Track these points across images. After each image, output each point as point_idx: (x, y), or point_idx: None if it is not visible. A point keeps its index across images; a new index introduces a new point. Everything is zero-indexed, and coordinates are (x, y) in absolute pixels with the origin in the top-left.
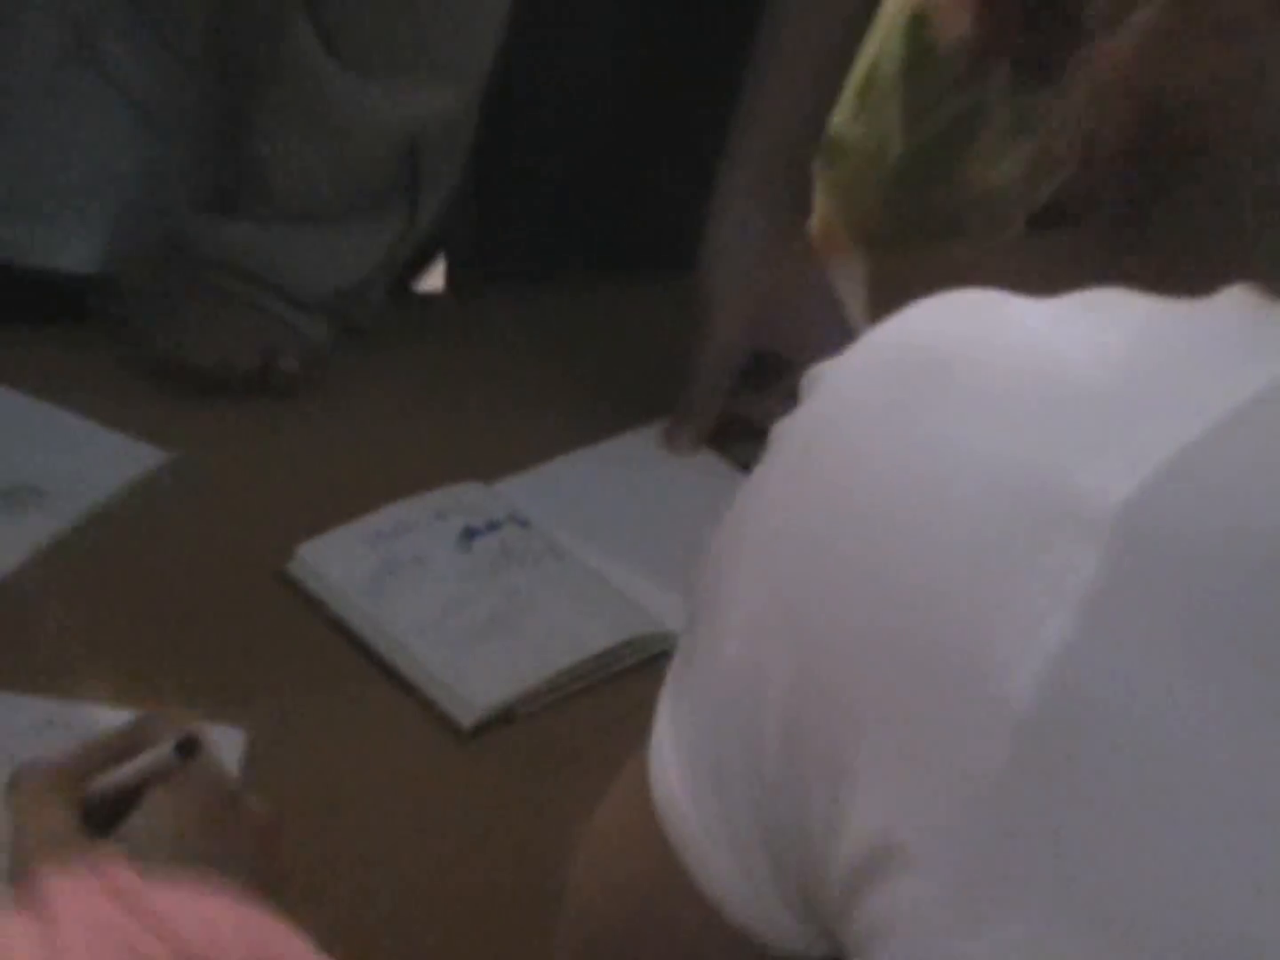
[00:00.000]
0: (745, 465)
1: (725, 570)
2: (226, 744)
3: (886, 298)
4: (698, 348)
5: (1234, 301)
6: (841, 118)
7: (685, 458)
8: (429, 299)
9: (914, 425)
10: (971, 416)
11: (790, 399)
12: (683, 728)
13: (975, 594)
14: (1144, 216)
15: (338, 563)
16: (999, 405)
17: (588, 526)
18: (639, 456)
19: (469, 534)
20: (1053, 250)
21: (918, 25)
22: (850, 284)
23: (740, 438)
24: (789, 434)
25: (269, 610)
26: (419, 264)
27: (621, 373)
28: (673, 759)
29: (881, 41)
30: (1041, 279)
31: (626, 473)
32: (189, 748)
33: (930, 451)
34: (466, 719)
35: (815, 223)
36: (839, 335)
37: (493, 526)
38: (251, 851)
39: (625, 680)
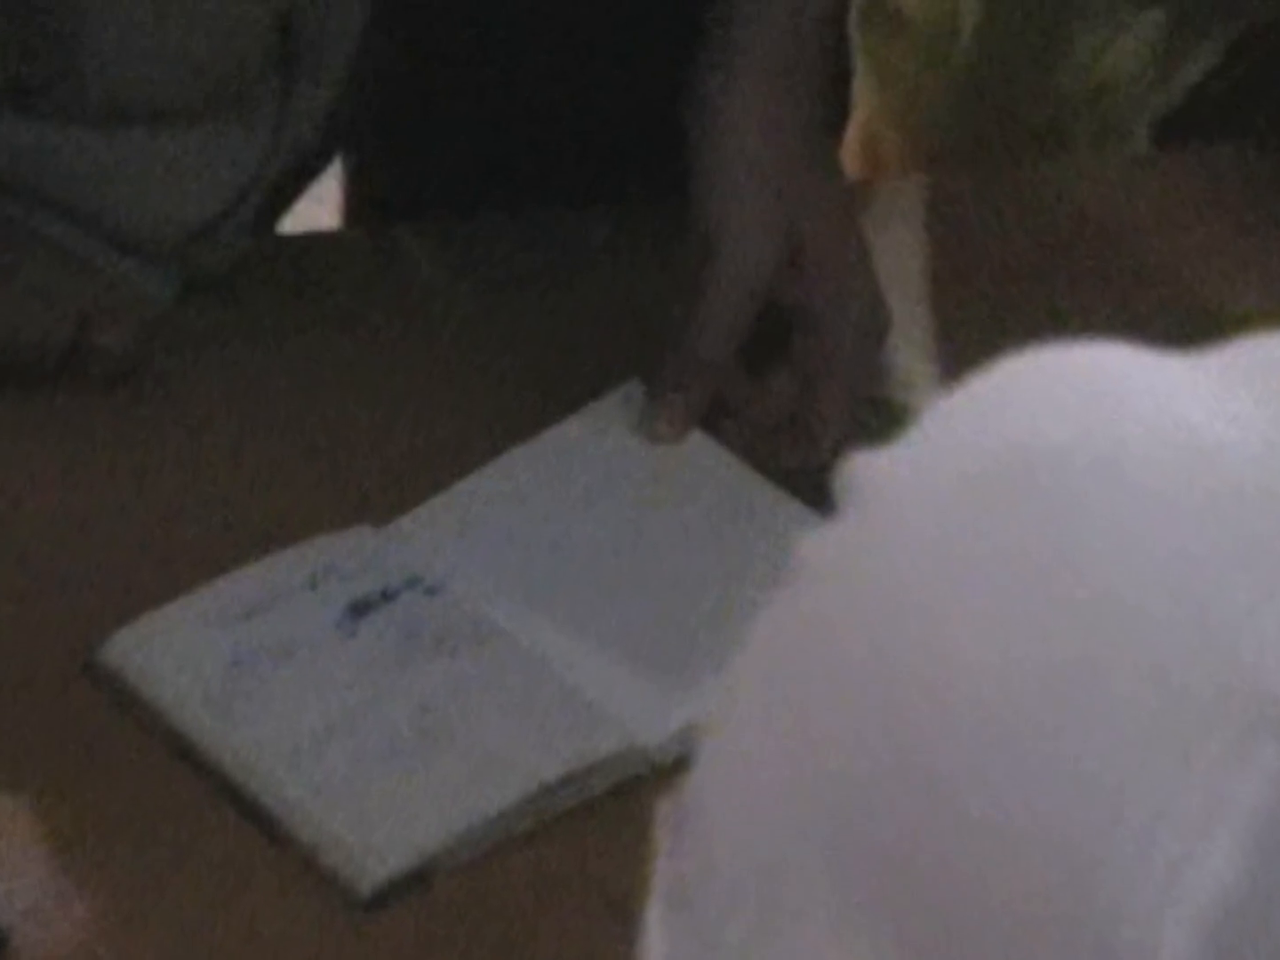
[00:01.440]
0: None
1: (723, 774)
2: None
3: (955, 238)
4: (700, 296)
5: None
6: None
7: (669, 443)
8: (312, 240)
9: (1011, 576)
10: (1096, 562)
11: (808, 388)
12: None
13: (1098, 817)
14: None
15: (171, 652)
16: (1137, 544)
17: (527, 585)
18: (593, 450)
19: (355, 610)
20: (1187, 172)
21: None
22: (901, 218)
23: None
24: (819, 572)
25: (70, 719)
26: (292, 194)
27: (577, 339)
28: None
29: None
30: (1172, 212)
31: (579, 479)
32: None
33: (1034, 616)
34: (364, 885)
35: (853, 129)
36: (865, 300)
37: (388, 596)
38: None
39: (584, 819)
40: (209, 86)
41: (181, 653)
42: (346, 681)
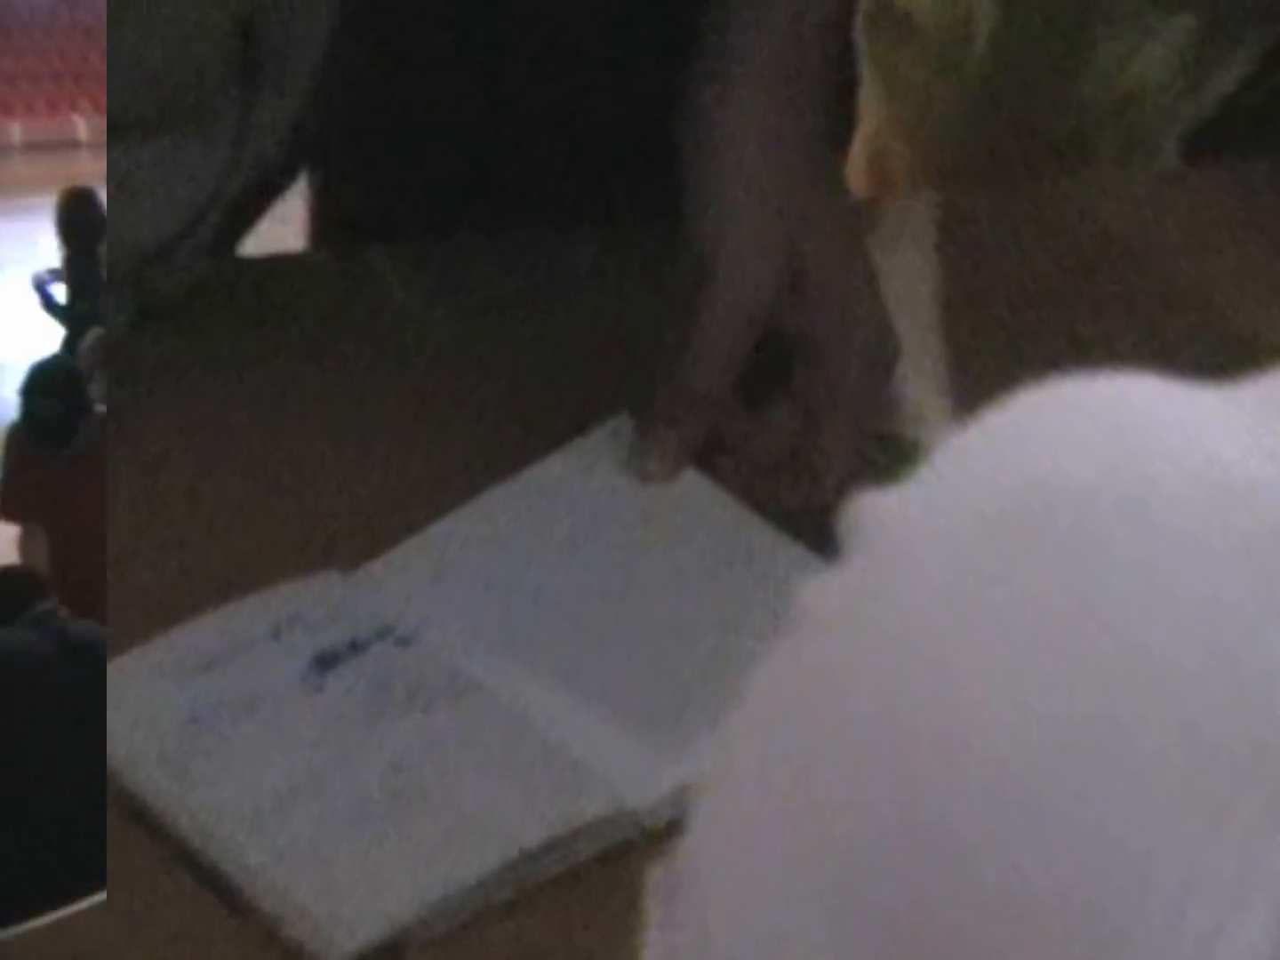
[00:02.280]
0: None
1: (722, 832)
2: None
3: (969, 260)
4: (694, 322)
5: None
6: None
7: (660, 482)
8: (275, 263)
9: (1029, 625)
10: (1121, 610)
11: (811, 422)
12: None
13: (1124, 886)
14: None
15: (123, 708)
16: (1165, 590)
17: (507, 635)
18: (579, 490)
19: (322, 662)
20: (1219, 188)
21: None
22: (911, 239)
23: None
24: (822, 620)
25: None
26: (254, 213)
27: (561, 370)
28: None
29: None
30: (1203, 232)
31: (564, 521)
32: None
33: (1054, 668)
34: (331, 958)
35: (859, 143)
36: (872, 328)
37: (357, 647)
38: None
39: (569, 887)
40: (164, 96)
41: (135, 708)
42: (312, 739)
